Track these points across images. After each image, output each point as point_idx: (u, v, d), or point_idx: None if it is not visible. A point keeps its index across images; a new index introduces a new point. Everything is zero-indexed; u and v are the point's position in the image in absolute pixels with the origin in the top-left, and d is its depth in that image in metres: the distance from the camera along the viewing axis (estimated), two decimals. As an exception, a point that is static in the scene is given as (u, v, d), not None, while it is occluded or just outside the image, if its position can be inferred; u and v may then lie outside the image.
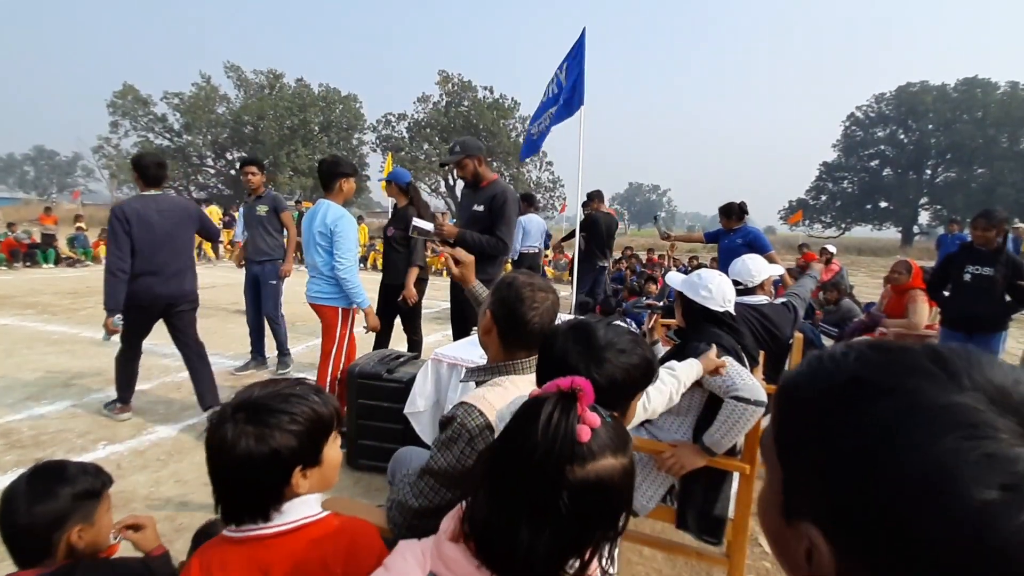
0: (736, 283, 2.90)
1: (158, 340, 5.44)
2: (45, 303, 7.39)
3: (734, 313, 2.08)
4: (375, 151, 36.29)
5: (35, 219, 14.37)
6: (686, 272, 9.12)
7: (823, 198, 42.75)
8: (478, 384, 1.33)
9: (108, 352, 4.94)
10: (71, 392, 3.87)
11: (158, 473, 2.77)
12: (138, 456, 2.93)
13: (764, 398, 1.72)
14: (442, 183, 33.98)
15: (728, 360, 1.81)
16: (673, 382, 1.66)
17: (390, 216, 4.45)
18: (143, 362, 3.45)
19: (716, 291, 2.02)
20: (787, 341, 2.90)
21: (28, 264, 11.53)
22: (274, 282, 4.54)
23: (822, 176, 42.99)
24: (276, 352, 4.67)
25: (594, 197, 6.46)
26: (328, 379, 3.11)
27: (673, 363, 1.71)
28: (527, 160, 33.77)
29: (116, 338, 3.25)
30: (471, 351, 2.55)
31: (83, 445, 3.03)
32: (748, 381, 1.74)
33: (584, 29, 4.65)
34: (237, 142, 34.81)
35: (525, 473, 0.67)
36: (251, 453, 0.88)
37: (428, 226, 3.10)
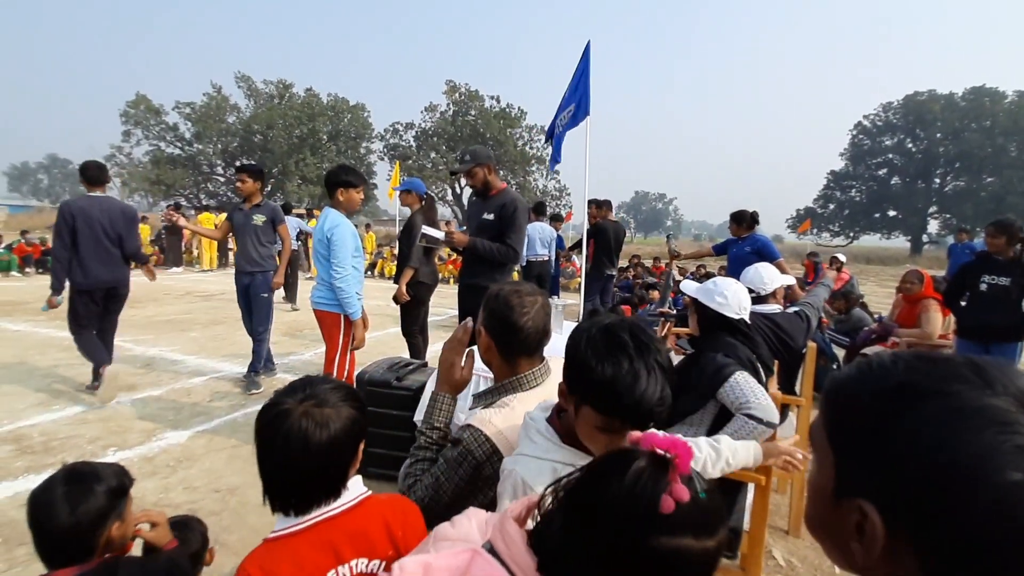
0: (749, 291, 2.88)
1: (169, 346, 5.50)
2: (59, 309, 7.44)
3: (749, 321, 2.06)
4: (383, 160, 36.60)
5: (49, 226, 14.56)
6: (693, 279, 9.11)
7: (831, 207, 42.55)
8: (485, 407, 1.32)
9: (122, 356, 4.97)
10: (81, 398, 3.89)
11: (167, 479, 2.77)
12: (147, 462, 2.94)
13: (776, 420, 1.71)
14: (449, 191, 34.14)
15: (743, 375, 1.79)
16: (711, 455, 1.30)
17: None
18: (153, 368, 3.48)
19: (732, 298, 2.01)
20: (800, 351, 2.87)
21: (40, 271, 11.65)
22: (264, 295, 4.32)
23: (830, 185, 42.82)
24: (249, 368, 4.33)
25: (602, 205, 6.47)
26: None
27: (723, 437, 1.39)
28: (533, 168, 33.92)
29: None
30: (479, 361, 2.53)
31: (93, 451, 3.04)
32: (763, 401, 1.72)
33: (588, 43, 4.73)
34: (247, 151, 35.18)
35: (599, 522, 0.64)
36: (337, 432, 0.94)
37: (438, 234, 3.10)
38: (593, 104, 4.70)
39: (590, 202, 6.48)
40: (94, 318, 3.97)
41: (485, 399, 1.34)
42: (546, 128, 5.67)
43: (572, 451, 1.03)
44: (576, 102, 4.82)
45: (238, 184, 4.33)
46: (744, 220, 4.74)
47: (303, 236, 10.03)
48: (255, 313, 4.34)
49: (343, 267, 3.10)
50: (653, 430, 0.70)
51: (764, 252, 4.47)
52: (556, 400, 1.26)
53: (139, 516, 1.29)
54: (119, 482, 1.19)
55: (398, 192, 4.51)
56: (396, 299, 4.23)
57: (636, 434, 0.68)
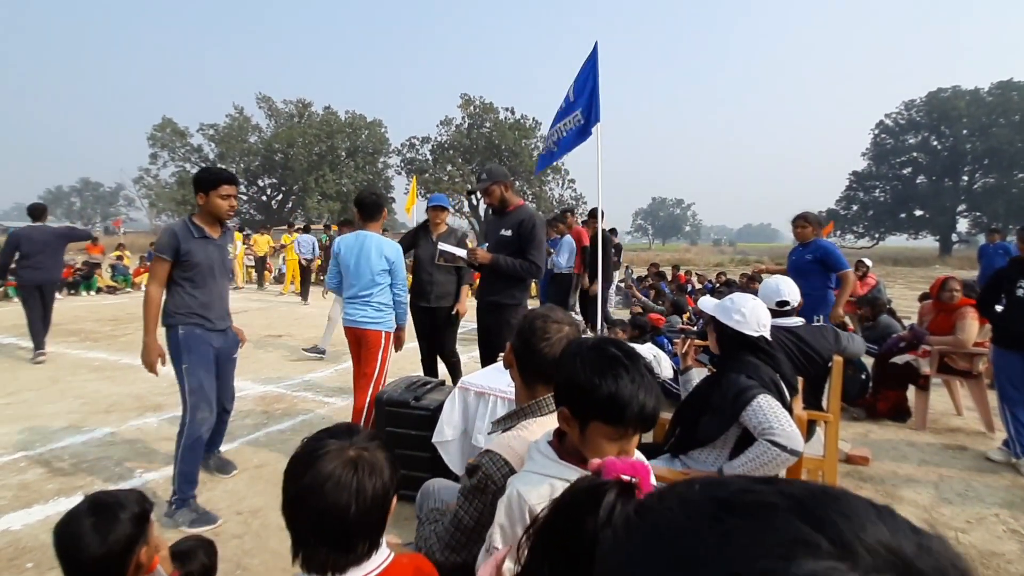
0: (783, 303, 2.82)
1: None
2: (87, 330, 7.68)
3: (769, 338, 2.01)
4: (399, 174, 37.09)
5: (82, 248, 15.05)
6: (712, 291, 8.93)
7: (854, 208, 41.65)
8: (503, 431, 1.33)
9: (146, 378, 5.07)
10: (111, 419, 3.98)
11: (192, 502, 2.80)
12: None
13: (800, 447, 1.66)
14: (465, 203, 34.40)
15: (766, 399, 1.75)
16: None
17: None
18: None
19: (750, 315, 1.96)
20: (826, 364, 2.79)
21: (71, 292, 12.04)
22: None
23: (852, 185, 41.95)
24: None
25: (592, 215, 6.61)
26: (368, 401, 3.14)
27: (737, 467, 1.48)
28: (548, 178, 33.97)
29: None
30: (498, 379, 2.52)
31: (120, 473, 3.10)
32: (788, 428, 1.68)
33: (596, 44, 4.52)
34: (268, 169, 36.07)
35: (584, 561, 0.64)
36: (387, 479, 0.93)
37: (460, 252, 3.11)
38: (606, 108, 4.50)
39: (591, 212, 6.54)
40: (36, 305, 5.84)
41: (503, 424, 1.35)
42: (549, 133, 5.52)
43: (568, 467, 1.07)
44: (583, 107, 4.70)
45: (233, 201, 2.85)
46: (811, 223, 4.25)
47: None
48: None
49: (406, 284, 3.35)
50: (611, 457, 0.72)
51: (828, 261, 4.08)
52: None
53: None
54: (141, 508, 1.23)
55: (430, 207, 4.34)
56: (457, 313, 4.20)
57: (596, 462, 0.71)
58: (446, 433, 2.49)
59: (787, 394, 1.91)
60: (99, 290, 12.54)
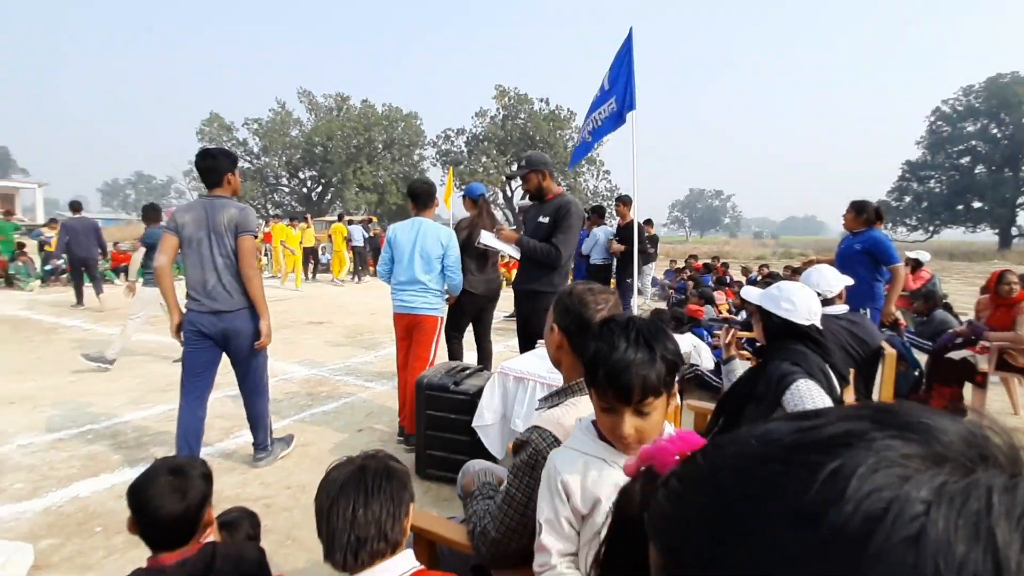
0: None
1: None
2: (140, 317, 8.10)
3: (821, 326, 1.94)
4: (435, 165, 37.40)
5: (137, 237, 15.88)
6: (755, 284, 8.68)
7: (907, 199, 39.56)
8: (551, 407, 1.31)
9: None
10: (167, 397, 4.20)
11: (244, 475, 2.95)
12: (227, 458, 3.14)
13: None
14: (500, 194, 34.44)
15: (807, 383, 1.71)
16: None
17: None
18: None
19: (800, 304, 1.90)
20: (878, 350, 2.69)
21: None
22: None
23: (905, 176, 39.82)
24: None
25: (622, 201, 6.63)
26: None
27: None
28: (583, 169, 33.63)
29: None
30: (538, 365, 2.54)
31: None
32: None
33: (631, 29, 4.43)
34: (308, 162, 36.99)
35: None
36: (404, 479, 1.12)
37: (492, 240, 3.15)
38: (641, 97, 4.45)
39: (619, 199, 6.52)
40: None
41: (551, 400, 1.34)
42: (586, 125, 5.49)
43: (604, 446, 1.07)
44: (618, 95, 4.63)
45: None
46: (864, 211, 4.04)
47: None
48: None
49: (459, 264, 3.46)
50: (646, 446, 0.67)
51: (877, 252, 3.91)
52: None
53: None
54: (206, 469, 1.31)
55: (459, 198, 4.53)
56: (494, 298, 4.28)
57: (629, 463, 0.66)
58: (486, 417, 2.53)
59: (836, 384, 1.86)
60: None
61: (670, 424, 1.14)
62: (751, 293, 2.13)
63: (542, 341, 3.01)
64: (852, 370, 2.31)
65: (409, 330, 3.36)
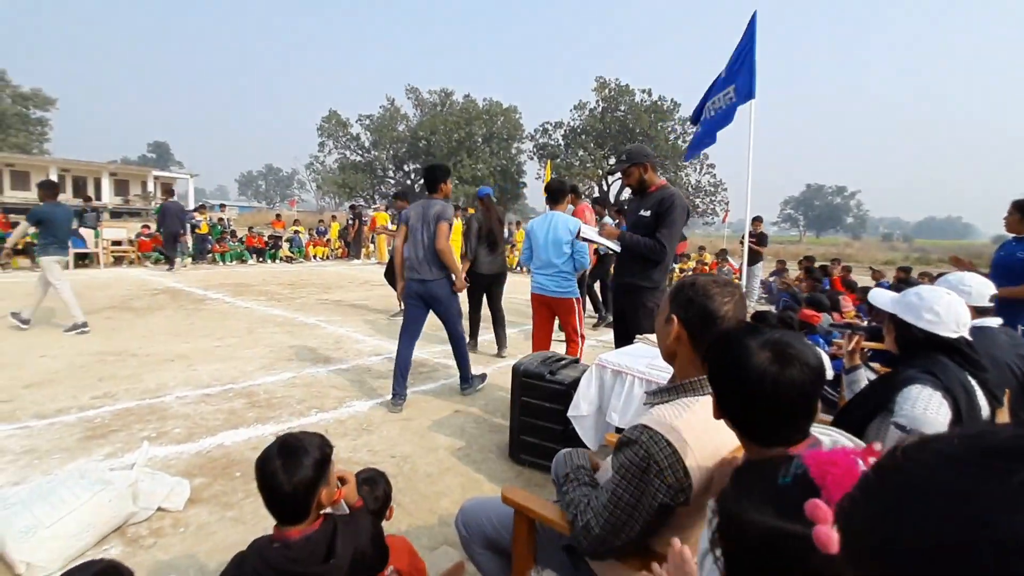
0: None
1: (353, 328, 6.39)
2: (272, 291, 9.11)
3: (970, 338, 1.71)
4: (532, 159, 37.70)
5: (268, 224, 17.80)
6: (887, 288, 7.71)
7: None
8: (660, 404, 1.25)
9: (317, 335, 5.90)
10: (291, 366, 4.71)
11: (355, 441, 3.23)
12: (340, 424, 3.46)
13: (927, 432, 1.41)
14: (596, 189, 33.93)
15: (926, 390, 1.53)
16: None
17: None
18: (341, 345, 4.08)
19: (946, 314, 1.66)
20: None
21: (260, 260, 14.33)
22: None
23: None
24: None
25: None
26: (580, 351, 3.99)
27: None
28: (685, 163, 32.08)
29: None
30: (636, 359, 2.51)
31: (300, 411, 3.67)
32: (919, 412, 1.48)
33: (755, 13, 4.26)
34: (413, 155, 39.04)
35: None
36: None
37: (594, 234, 3.14)
38: (758, 84, 4.22)
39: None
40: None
41: (661, 396, 1.27)
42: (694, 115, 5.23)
43: None
44: (737, 82, 4.38)
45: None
46: None
47: None
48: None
49: (587, 249, 3.95)
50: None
51: None
52: None
53: (336, 474, 1.46)
54: (322, 453, 1.35)
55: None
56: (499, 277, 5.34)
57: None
58: (581, 408, 2.55)
59: (985, 404, 1.63)
60: (280, 259, 14.76)
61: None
62: (882, 298, 1.91)
63: (641, 336, 2.96)
64: (1007, 391, 2.01)
65: (545, 306, 4.01)
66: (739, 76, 4.30)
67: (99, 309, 6.88)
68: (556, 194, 4.11)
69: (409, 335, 3.88)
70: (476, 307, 5.56)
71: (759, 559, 0.60)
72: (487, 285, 5.37)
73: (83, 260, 11.42)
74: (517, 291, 10.34)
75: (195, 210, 15.11)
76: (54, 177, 28.95)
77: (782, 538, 0.57)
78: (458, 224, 6.95)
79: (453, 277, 3.87)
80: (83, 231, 11.60)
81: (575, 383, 2.77)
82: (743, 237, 5.45)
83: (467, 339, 5.45)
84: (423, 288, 3.80)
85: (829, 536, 0.49)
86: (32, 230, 6.00)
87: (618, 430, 2.33)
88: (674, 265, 10.75)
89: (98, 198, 27.65)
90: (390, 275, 7.14)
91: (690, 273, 6.45)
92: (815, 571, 0.54)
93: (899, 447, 0.35)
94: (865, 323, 4.66)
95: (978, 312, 2.43)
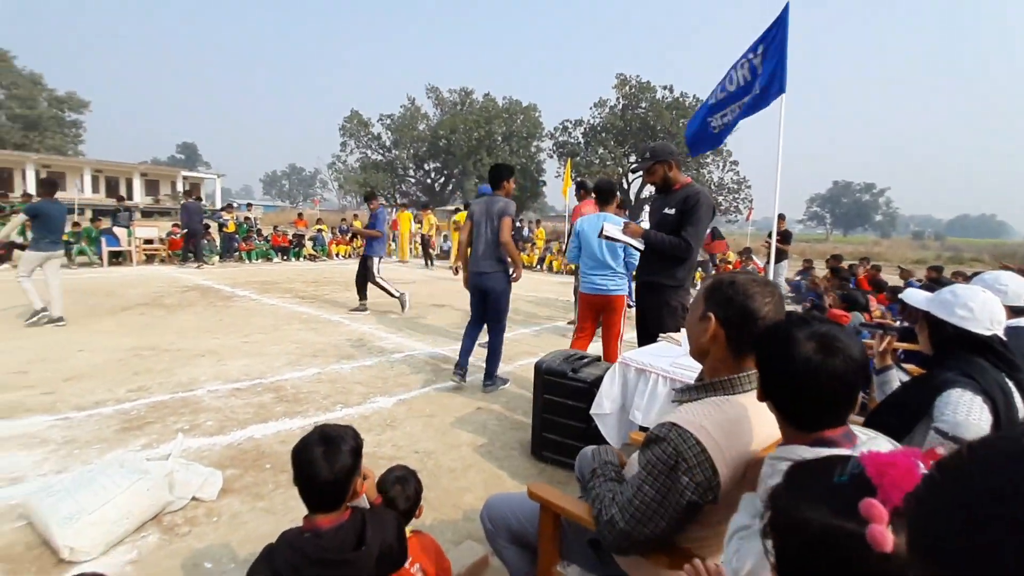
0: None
1: (375, 326, 6.48)
2: (297, 289, 9.29)
3: (1004, 337, 1.67)
4: (551, 157, 37.59)
5: (291, 222, 18.14)
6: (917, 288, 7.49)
7: None
8: (690, 401, 1.25)
9: (341, 332, 6.00)
10: (317, 361, 4.80)
11: (379, 436, 3.29)
12: (364, 420, 3.52)
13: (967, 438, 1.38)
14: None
15: (966, 394, 1.50)
16: None
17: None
18: (365, 342, 4.15)
19: (980, 310, 1.63)
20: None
21: (285, 258, 14.61)
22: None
23: None
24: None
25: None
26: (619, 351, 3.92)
27: None
28: (708, 160, 31.63)
29: None
30: (660, 358, 2.50)
31: (326, 406, 3.75)
32: (962, 417, 1.44)
33: (787, 5, 4.11)
34: (433, 154, 39.29)
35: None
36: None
37: (618, 234, 3.14)
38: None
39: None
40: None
41: (690, 394, 1.26)
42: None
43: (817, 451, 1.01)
44: (767, 77, 4.26)
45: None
46: None
47: None
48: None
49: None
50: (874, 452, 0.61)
51: None
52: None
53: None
54: (356, 443, 1.41)
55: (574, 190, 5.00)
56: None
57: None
58: (604, 406, 2.55)
59: (1019, 405, 1.59)
60: (304, 257, 15.02)
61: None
62: (915, 297, 1.88)
63: (665, 335, 2.94)
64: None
65: (595, 308, 3.96)
66: (769, 70, 4.18)
67: (133, 305, 7.11)
68: (606, 195, 4.15)
69: (475, 322, 4.32)
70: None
71: (811, 555, 0.61)
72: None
73: (117, 258, 11.81)
74: (535, 288, 10.38)
75: (222, 209, 15.48)
76: (88, 178, 29.97)
77: (835, 536, 0.59)
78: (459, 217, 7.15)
79: (511, 271, 4.20)
80: (116, 230, 11.99)
81: (598, 381, 2.77)
82: (769, 234, 5.36)
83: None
84: (479, 280, 4.16)
85: (884, 535, 0.50)
86: (22, 218, 6.40)
87: (642, 428, 2.33)
88: (710, 267, 10.57)
89: (129, 197, 28.51)
90: (361, 279, 7.26)
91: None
92: (869, 570, 0.55)
93: (963, 447, 0.36)
94: (897, 323, 4.54)
95: (1014, 312, 2.36)
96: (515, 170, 4.40)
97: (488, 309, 4.24)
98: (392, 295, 7.25)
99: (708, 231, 10.16)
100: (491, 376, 4.25)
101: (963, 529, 0.31)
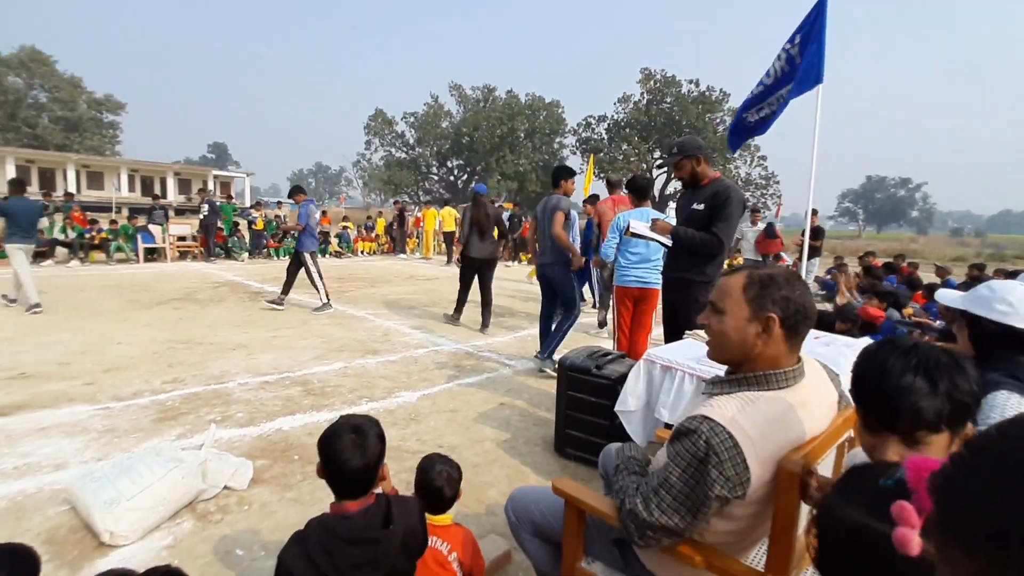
0: None
1: (399, 321, 6.55)
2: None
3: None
4: (574, 153, 37.39)
5: (318, 220, 18.42)
6: (954, 287, 7.23)
7: None
8: (721, 395, 1.22)
9: (366, 327, 6.09)
10: (342, 356, 4.88)
11: (404, 431, 3.32)
12: (389, 414, 3.57)
13: None
14: (640, 183, 33.33)
15: (1014, 397, 1.42)
16: None
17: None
18: (389, 337, 4.21)
19: (1020, 304, 1.55)
20: None
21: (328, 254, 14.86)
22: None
23: None
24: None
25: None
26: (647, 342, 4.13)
27: None
28: (736, 155, 31.02)
29: None
30: (686, 355, 2.46)
31: (352, 400, 3.81)
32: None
33: None
34: (456, 151, 39.48)
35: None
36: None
37: (646, 230, 3.10)
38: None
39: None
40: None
41: (722, 387, 1.23)
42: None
43: None
44: (803, 69, 4.16)
45: None
46: None
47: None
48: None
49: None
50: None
51: None
52: (799, 409, 1.18)
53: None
54: (380, 430, 1.44)
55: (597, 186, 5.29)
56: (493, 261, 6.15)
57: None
58: (629, 403, 2.53)
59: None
60: (330, 254, 15.28)
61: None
62: (950, 296, 1.79)
63: (691, 332, 2.90)
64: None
65: (633, 300, 4.12)
66: (807, 60, 4.09)
67: (168, 300, 7.35)
68: (643, 191, 4.33)
69: (547, 309, 4.81)
70: (466, 286, 6.35)
71: (845, 551, 0.64)
72: (478, 268, 6.14)
73: (152, 255, 12.21)
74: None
75: (252, 207, 15.83)
76: (125, 177, 31.02)
77: (868, 535, 0.59)
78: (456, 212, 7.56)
79: (570, 257, 4.56)
80: (152, 227, 12.40)
81: (622, 378, 2.75)
82: (803, 232, 5.22)
83: (454, 313, 6.45)
84: (543, 271, 4.72)
85: (909, 538, 0.50)
86: None
87: (667, 426, 2.30)
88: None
89: (163, 196, 29.46)
90: (294, 266, 6.99)
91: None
92: (896, 571, 0.54)
93: (993, 428, 0.35)
94: (936, 323, 4.38)
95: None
96: (575, 172, 4.75)
97: (558, 296, 4.70)
98: (318, 293, 6.90)
99: (762, 229, 9.93)
100: (544, 352, 4.57)
101: (991, 505, 0.31)
